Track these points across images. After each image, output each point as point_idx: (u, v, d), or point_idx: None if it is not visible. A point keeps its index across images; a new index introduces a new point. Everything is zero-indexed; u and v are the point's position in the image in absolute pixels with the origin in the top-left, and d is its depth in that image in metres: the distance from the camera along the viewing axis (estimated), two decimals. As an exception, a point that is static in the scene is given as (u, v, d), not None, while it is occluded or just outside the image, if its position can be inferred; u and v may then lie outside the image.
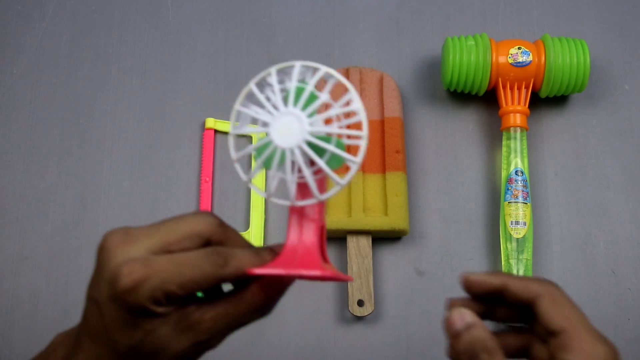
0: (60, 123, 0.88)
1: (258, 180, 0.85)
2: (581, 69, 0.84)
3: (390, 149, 0.84)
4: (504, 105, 0.85)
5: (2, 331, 0.80)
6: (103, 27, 0.92)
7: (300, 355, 0.80)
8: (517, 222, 0.81)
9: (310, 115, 0.43)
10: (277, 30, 0.93)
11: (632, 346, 0.80)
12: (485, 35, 0.85)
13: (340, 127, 0.44)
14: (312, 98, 0.43)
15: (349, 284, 0.79)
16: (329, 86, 0.44)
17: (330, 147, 0.43)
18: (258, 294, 0.45)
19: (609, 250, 0.83)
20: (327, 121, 0.44)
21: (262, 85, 0.45)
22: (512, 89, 0.85)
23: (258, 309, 0.46)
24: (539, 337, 0.49)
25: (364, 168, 0.83)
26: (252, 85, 0.44)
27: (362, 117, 0.43)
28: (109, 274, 0.43)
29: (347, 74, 0.87)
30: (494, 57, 0.84)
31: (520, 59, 0.84)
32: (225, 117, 0.88)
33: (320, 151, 0.43)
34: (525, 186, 0.82)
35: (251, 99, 0.45)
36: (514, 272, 0.80)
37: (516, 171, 0.83)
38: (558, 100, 0.89)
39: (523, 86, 0.85)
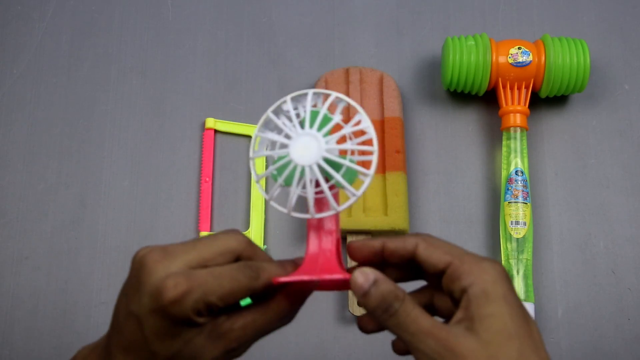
0: (60, 123, 0.88)
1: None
2: (581, 69, 0.84)
3: (390, 149, 0.84)
4: (504, 105, 0.85)
5: (2, 331, 0.80)
6: (103, 27, 0.92)
7: (300, 355, 0.80)
8: (517, 222, 0.81)
9: (325, 135, 0.48)
10: (277, 30, 0.93)
11: (632, 346, 0.80)
12: (485, 35, 0.85)
13: (358, 144, 0.48)
14: (326, 120, 0.48)
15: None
16: (339, 108, 0.49)
17: (346, 162, 0.48)
18: (283, 303, 0.49)
19: (609, 250, 0.83)
20: (341, 140, 0.48)
21: (276, 112, 0.50)
22: (512, 89, 0.85)
23: (283, 316, 0.50)
24: (437, 289, 0.51)
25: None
26: (269, 113, 0.49)
27: (372, 134, 0.48)
28: (151, 288, 0.45)
29: (347, 74, 0.87)
30: (494, 57, 0.84)
31: (520, 59, 0.84)
32: (225, 116, 0.88)
33: (335, 167, 0.48)
34: (525, 186, 0.82)
35: (267, 125, 0.49)
36: (514, 272, 0.80)
37: (516, 171, 0.83)
38: (558, 100, 0.89)
39: (523, 86, 0.85)
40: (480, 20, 0.93)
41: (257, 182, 0.50)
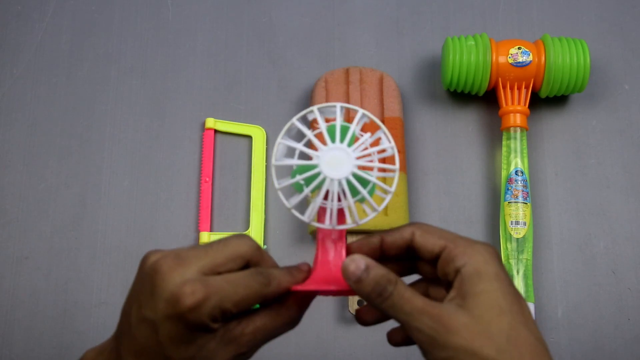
0: (60, 123, 0.88)
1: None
2: (581, 69, 0.84)
3: (390, 149, 0.84)
4: (504, 105, 0.85)
5: (2, 331, 0.80)
6: (103, 27, 0.92)
7: (300, 355, 0.80)
8: (517, 222, 0.81)
9: (356, 150, 0.50)
10: (277, 31, 0.93)
11: (631, 346, 0.80)
12: (485, 35, 0.85)
13: (381, 163, 0.51)
14: (354, 136, 0.50)
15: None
16: (359, 122, 0.51)
17: (373, 179, 0.50)
18: (294, 308, 0.51)
19: (609, 250, 0.83)
20: (366, 156, 0.50)
21: (300, 121, 0.51)
22: (512, 89, 0.85)
23: (292, 321, 0.51)
24: (432, 282, 0.54)
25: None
26: (294, 121, 0.50)
27: (395, 153, 0.50)
28: (168, 295, 0.46)
29: (347, 74, 0.87)
30: (494, 57, 0.84)
31: (520, 59, 0.84)
32: (225, 117, 0.88)
33: (361, 182, 0.50)
34: (525, 186, 0.82)
35: (289, 132, 0.51)
36: (514, 272, 0.80)
37: (516, 171, 0.83)
38: (558, 100, 0.89)
39: (523, 86, 0.85)
40: (480, 21, 0.93)
41: (279, 190, 0.51)
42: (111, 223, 0.84)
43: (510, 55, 0.84)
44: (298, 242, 0.83)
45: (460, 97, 0.89)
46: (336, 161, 0.49)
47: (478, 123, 0.88)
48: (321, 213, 0.51)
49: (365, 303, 0.56)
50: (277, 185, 0.51)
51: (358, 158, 0.49)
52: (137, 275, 0.49)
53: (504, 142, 0.85)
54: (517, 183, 0.82)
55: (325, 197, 0.50)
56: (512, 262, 0.80)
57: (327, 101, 0.85)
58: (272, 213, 0.84)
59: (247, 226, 0.84)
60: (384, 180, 0.51)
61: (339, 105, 0.50)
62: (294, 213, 0.51)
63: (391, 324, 0.54)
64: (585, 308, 0.82)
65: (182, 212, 0.85)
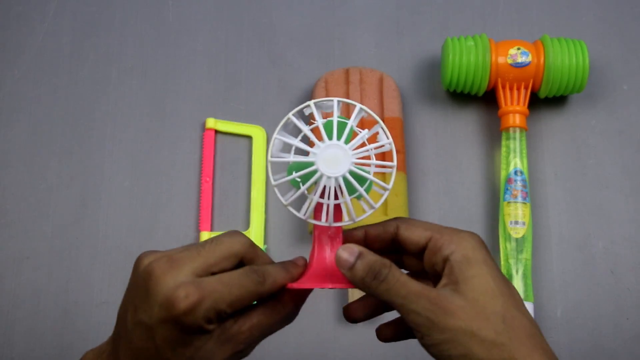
0: (61, 123, 0.88)
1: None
2: (580, 70, 0.84)
3: (390, 149, 0.84)
4: (503, 105, 0.85)
5: (3, 331, 0.80)
6: (104, 27, 0.93)
7: (300, 355, 0.80)
8: (516, 222, 0.81)
9: (353, 147, 0.49)
10: (277, 31, 0.93)
11: (631, 346, 0.80)
12: (484, 35, 0.86)
13: (379, 160, 0.51)
14: (351, 132, 0.50)
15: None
16: (356, 116, 0.50)
17: (370, 177, 0.49)
18: (289, 304, 0.51)
19: (608, 250, 0.83)
20: (365, 153, 0.50)
21: (296, 116, 0.51)
22: (511, 89, 0.85)
23: (289, 316, 0.51)
24: (416, 275, 0.54)
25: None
26: (291, 116, 0.50)
27: (393, 150, 0.50)
28: (162, 299, 0.46)
29: (347, 74, 0.88)
30: (493, 58, 0.84)
31: (519, 60, 0.84)
32: (226, 117, 0.88)
33: (358, 179, 0.49)
34: (524, 186, 0.83)
35: (285, 128, 0.51)
36: (513, 272, 0.80)
37: (515, 171, 0.83)
38: (557, 101, 0.89)
39: (522, 86, 0.85)
40: (479, 21, 0.93)
41: (275, 186, 0.50)
42: (112, 223, 0.84)
43: (509, 56, 0.84)
44: (298, 242, 0.84)
45: (460, 97, 0.89)
46: (333, 158, 0.49)
47: (477, 123, 0.89)
48: (318, 210, 0.51)
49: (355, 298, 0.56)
50: (273, 182, 0.50)
51: (355, 156, 0.49)
52: (131, 277, 0.49)
53: (503, 142, 0.85)
54: (517, 183, 0.83)
55: (322, 194, 0.50)
56: (512, 262, 0.80)
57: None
58: (272, 213, 0.85)
59: (248, 226, 0.84)
60: (382, 176, 0.51)
61: (336, 100, 0.50)
62: (290, 210, 0.51)
63: (380, 320, 0.54)
64: (585, 308, 0.82)
65: (182, 212, 0.85)
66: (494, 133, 0.88)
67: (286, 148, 0.51)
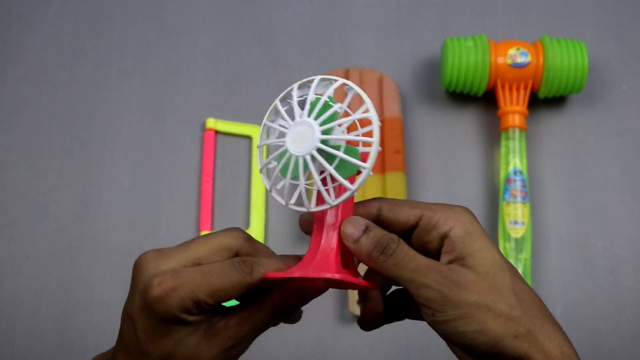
0: (61, 124, 0.88)
1: (257, 186, 0.85)
2: (579, 70, 0.84)
3: (389, 149, 0.84)
4: (502, 105, 0.85)
5: (4, 331, 0.80)
6: (104, 28, 0.93)
7: (300, 354, 0.80)
8: (515, 222, 0.81)
9: (323, 123, 0.45)
10: (277, 31, 0.93)
11: (630, 345, 0.80)
12: (484, 36, 0.86)
13: (356, 136, 0.46)
14: (326, 107, 0.45)
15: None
16: (348, 98, 0.46)
17: (339, 154, 0.44)
18: (278, 299, 0.48)
19: (607, 250, 0.84)
20: (350, 130, 0.46)
21: (285, 99, 0.48)
22: (510, 89, 0.85)
23: (279, 313, 0.48)
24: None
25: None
26: (277, 102, 0.47)
27: (374, 124, 0.45)
28: (141, 287, 0.45)
29: (346, 74, 0.88)
30: (492, 58, 0.84)
31: (518, 60, 0.84)
32: (226, 117, 0.89)
33: (333, 158, 0.45)
34: (524, 186, 0.83)
35: (278, 113, 0.47)
36: (513, 271, 0.80)
37: (515, 171, 0.83)
38: (556, 101, 0.89)
39: (522, 87, 0.85)
40: (479, 21, 0.93)
41: (261, 171, 0.48)
42: (112, 223, 0.84)
43: (509, 56, 0.85)
44: (299, 242, 0.84)
45: (460, 97, 0.90)
46: (300, 136, 0.45)
47: (477, 123, 0.89)
48: (319, 197, 0.46)
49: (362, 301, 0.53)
50: (259, 167, 0.48)
51: (324, 132, 0.44)
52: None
53: (502, 142, 0.85)
54: (516, 183, 0.83)
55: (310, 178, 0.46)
56: (511, 261, 0.80)
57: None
58: (272, 212, 0.85)
59: (248, 226, 0.84)
60: (366, 155, 0.46)
61: (317, 77, 0.47)
62: (273, 195, 0.48)
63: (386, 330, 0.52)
64: (584, 307, 0.82)
65: (182, 212, 0.85)
66: (494, 133, 0.88)
67: (281, 135, 0.47)
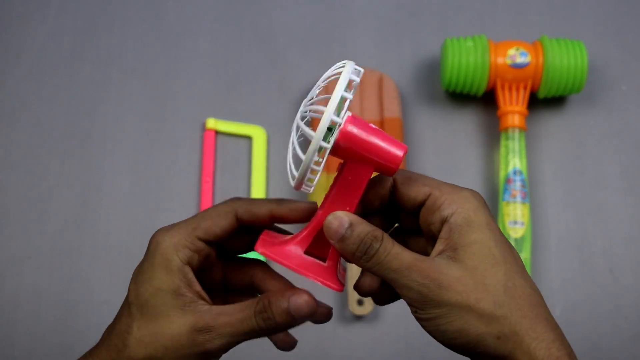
0: (62, 123, 0.89)
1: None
2: (579, 70, 0.84)
3: (389, 150, 0.84)
4: (502, 105, 0.85)
5: (4, 331, 0.80)
6: (104, 28, 0.93)
7: (300, 354, 0.80)
8: (515, 222, 0.82)
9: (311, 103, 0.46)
10: (277, 32, 0.93)
11: (629, 345, 0.80)
12: (483, 36, 0.86)
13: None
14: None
15: (347, 283, 0.79)
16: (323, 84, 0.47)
17: (301, 124, 0.45)
18: (260, 303, 0.47)
19: (606, 250, 0.84)
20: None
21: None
22: (510, 89, 0.86)
23: (260, 316, 0.47)
24: (411, 232, 0.50)
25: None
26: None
27: (332, 98, 0.44)
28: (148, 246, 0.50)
29: (346, 74, 0.88)
30: (492, 58, 0.85)
31: (518, 60, 0.85)
32: (226, 117, 0.89)
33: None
34: (523, 186, 0.83)
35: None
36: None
37: (514, 171, 0.83)
38: (556, 101, 0.89)
39: (521, 87, 0.85)
40: (478, 22, 0.93)
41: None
42: (113, 223, 0.85)
43: (508, 57, 0.85)
44: (298, 242, 0.84)
45: (459, 97, 0.90)
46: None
47: (477, 123, 0.89)
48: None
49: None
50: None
51: (304, 112, 0.45)
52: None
53: (502, 143, 0.85)
54: (516, 183, 0.83)
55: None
56: (511, 261, 0.81)
57: (326, 101, 0.85)
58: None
59: (248, 226, 0.84)
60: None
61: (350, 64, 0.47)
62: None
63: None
64: (583, 307, 0.82)
65: (183, 212, 0.85)
66: (493, 133, 0.88)
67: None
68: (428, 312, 0.44)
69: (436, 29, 0.93)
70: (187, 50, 0.92)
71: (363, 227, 0.45)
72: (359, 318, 0.81)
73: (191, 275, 0.47)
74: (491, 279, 0.44)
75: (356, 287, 0.49)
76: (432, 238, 0.47)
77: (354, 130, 0.45)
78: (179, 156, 0.87)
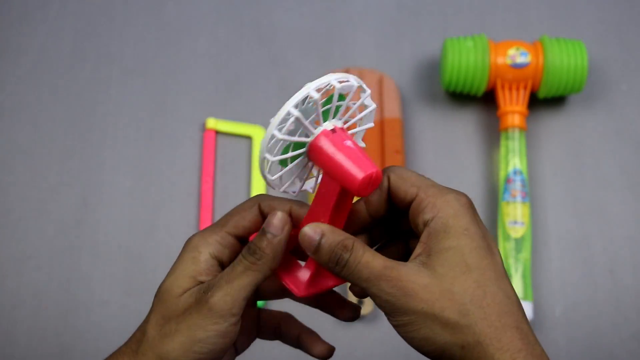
0: (62, 124, 0.89)
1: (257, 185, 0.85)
2: (579, 70, 0.84)
3: (389, 150, 0.84)
4: (502, 105, 0.85)
5: (5, 330, 0.80)
6: (105, 28, 0.93)
7: (300, 354, 0.80)
8: (515, 222, 0.82)
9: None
10: (277, 32, 0.93)
11: (628, 344, 0.80)
12: (483, 36, 0.86)
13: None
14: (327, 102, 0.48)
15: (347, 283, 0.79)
16: (351, 93, 0.48)
17: (282, 111, 0.46)
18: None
19: (606, 250, 0.84)
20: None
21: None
22: (510, 89, 0.86)
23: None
24: (404, 236, 0.50)
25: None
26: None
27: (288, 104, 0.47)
28: None
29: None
30: (492, 58, 0.85)
31: (518, 60, 0.85)
32: (226, 117, 0.89)
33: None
34: (523, 186, 0.83)
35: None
36: (512, 272, 0.80)
37: (514, 171, 0.83)
38: (556, 101, 0.89)
39: (521, 87, 0.85)
40: (478, 22, 0.93)
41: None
42: (113, 223, 0.84)
43: (508, 56, 0.85)
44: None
45: (459, 97, 0.90)
46: None
47: (477, 123, 0.89)
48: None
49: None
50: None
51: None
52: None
53: (502, 142, 0.85)
54: (516, 183, 0.83)
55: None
56: (511, 261, 0.81)
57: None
58: (272, 213, 0.85)
59: (248, 226, 0.84)
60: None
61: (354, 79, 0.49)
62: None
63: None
64: (583, 307, 0.82)
65: (183, 212, 0.85)
66: (493, 133, 0.88)
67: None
68: (397, 318, 0.44)
69: (436, 29, 0.93)
70: (187, 50, 0.92)
71: (333, 237, 0.45)
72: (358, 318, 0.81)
73: (217, 268, 0.48)
74: (459, 287, 0.43)
75: (351, 289, 0.50)
76: (416, 239, 0.47)
77: (323, 144, 0.46)
78: (179, 156, 0.87)
